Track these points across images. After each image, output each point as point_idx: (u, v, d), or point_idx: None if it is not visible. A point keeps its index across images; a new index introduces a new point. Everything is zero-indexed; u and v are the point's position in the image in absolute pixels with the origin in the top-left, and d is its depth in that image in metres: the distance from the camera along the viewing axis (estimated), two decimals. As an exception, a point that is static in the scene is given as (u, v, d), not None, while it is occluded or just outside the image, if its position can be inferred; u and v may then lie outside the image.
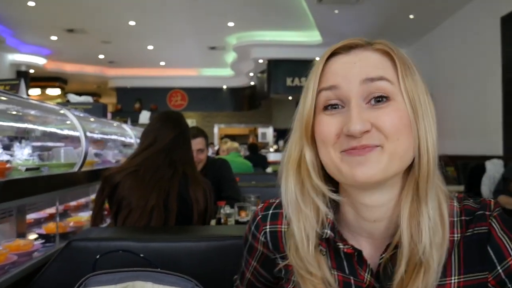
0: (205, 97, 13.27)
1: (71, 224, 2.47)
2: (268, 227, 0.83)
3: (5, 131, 2.03)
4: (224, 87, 13.46)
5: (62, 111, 2.17)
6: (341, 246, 0.74)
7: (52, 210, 2.49)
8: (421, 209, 0.69)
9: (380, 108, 0.69)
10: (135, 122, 6.89)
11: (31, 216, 2.33)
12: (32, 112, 2.16)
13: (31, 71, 10.40)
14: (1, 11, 7.43)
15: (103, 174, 1.88)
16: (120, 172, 1.85)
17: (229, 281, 1.14)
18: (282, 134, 13.09)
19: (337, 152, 0.70)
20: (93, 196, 2.75)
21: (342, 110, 0.70)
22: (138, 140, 3.49)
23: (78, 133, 2.09)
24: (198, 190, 1.88)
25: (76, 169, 1.99)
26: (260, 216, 0.86)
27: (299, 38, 9.11)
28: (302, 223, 0.74)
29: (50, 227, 2.26)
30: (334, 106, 0.71)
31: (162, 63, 11.77)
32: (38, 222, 2.39)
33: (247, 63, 10.63)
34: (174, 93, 13.32)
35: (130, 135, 3.21)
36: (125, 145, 3.20)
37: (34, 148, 2.03)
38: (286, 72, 9.77)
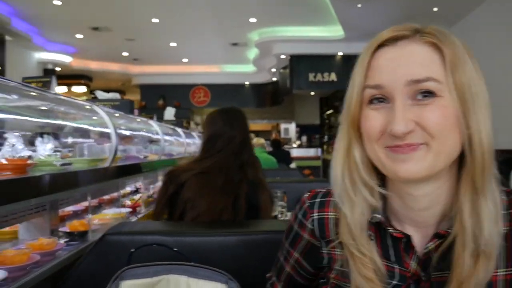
0: (227, 94, 13.30)
1: (96, 221, 2.43)
2: (315, 214, 0.85)
3: (37, 127, 2.06)
4: (246, 83, 13.47)
5: (93, 108, 2.21)
6: (391, 230, 0.75)
7: (78, 207, 2.52)
8: (479, 201, 0.68)
9: (425, 105, 0.68)
10: (160, 119, 6.97)
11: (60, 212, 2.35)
12: (63, 108, 2.20)
13: (58, 69, 10.61)
14: (28, 10, 7.60)
15: (168, 171, 1.86)
16: (186, 172, 1.81)
17: (261, 276, 1.14)
18: (305, 130, 13.05)
19: (381, 148, 0.71)
20: (122, 191, 2.79)
21: (387, 105, 0.71)
22: (166, 137, 3.54)
23: (109, 129, 2.12)
24: (265, 194, 1.85)
25: (107, 164, 2.02)
26: (307, 204, 0.87)
27: (321, 33, 9.04)
28: (352, 210, 0.76)
29: (74, 225, 2.22)
30: (380, 100, 0.72)
31: (185, 60, 11.84)
32: (67, 218, 2.42)
33: (269, 59, 10.61)
34: (197, 89, 13.40)
35: (157, 131, 3.25)
36: (152, 141, 3.24)
37: (60, 144, 2.06)
38: (308, 68, 9.72)
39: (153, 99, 13.04)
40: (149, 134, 3.22)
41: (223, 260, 1.27)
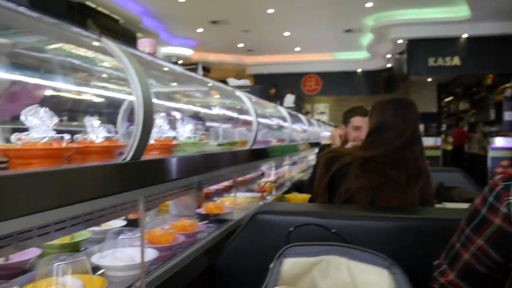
0: (339, 81, 13.11)
1: (227, 203, 2.41)
2: None
3: (178, 109, 2.13)
4: (359, 70, 13.15)
5: (235, 93, 2.34)
6: None
7: (216, 188, 2.65)
8: None
9: None
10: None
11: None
12: (209, 92, 2.32)
13: (180, 61, 11.38)
14: (157, 8, 8.23)
15: (326, 155, 1.87)
16: (347, 157, 1.78)
17: (426, 265, 1.12)
18: (422, 118, 12.35)
19: None
20: (252, 175, 2.91)
21: None
22: (295, 126, 3.61)
23: (250, 114, 2.22)
24: (431, 188, 1.80)
25: (248, 147, 2.13)
26: (501, 186, 0.83)
27: (443, 14, 8.45)
28: None
29: (209, 208, 2.22)
30: None
31: (297, 49, 11.92)
32: (207, 198, 2.56)
33: (384, 45, 10.22)
34: (308, 78, 13.41)
35: (286, 117, 3.33)
36: (280, 126, 3.33)
37: (197, 126, 2.15)
38: (428, 52, 9.17)
39: (265, 88, 13.34)
40: (279, 120, 3.31)
41: (382, 246, 1.27)
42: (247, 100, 2.26)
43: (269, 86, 13.34)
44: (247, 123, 2.30)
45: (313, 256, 1.21)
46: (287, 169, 3.74)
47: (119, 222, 1.80)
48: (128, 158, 1.09)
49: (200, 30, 9.73)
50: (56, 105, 1.16)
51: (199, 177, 1.53)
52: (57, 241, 1.41)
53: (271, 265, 1.21)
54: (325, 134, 6.07)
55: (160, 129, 1.52)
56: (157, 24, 9.18)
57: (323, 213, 1.48)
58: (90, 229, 1.54)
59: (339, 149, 1.92)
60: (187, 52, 11.18)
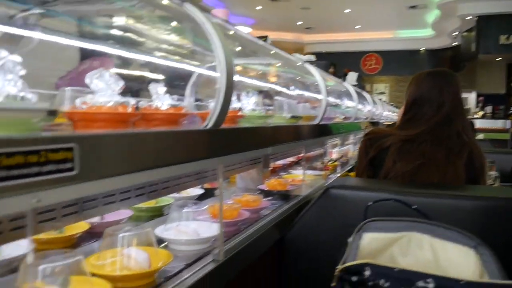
0: (400, 60, 12.63)
1: (290, 180, 2.37)
2: None
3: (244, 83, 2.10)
4: (422, 49, 12.59)
5: (305, 66, 2.30)
6: None
7: (283, 162, 2.65)
8: None
9: None
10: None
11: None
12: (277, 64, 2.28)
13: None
14: (217, -14, 8.25)
15: (367, 135, 1.82)
16: (388, 137, 1.70)
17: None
18: (489, 100, 11.67)
19: None
20: (316, 152, 2.87)
21: None
22: (361, 106, 3.53)
23: (320, 88, 2.17)
24: (482, 162, 1.69)
25: (316, 122, 2.09)
26: None
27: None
28: None
29: (272, 184, 2.19)
30: None
31: (358, 27, 11.58)
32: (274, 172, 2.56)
33: (451, 21, 9.70)
34: (368, 56, 13.03)
35: (351, 94, 3.26)
36: (346, 104, 3.26)
37: (261, 100, 2.12)
38: (499, 29, 8.63)
39: (323, 67, 13.13)
40: (345, 97, 3.24)
41: (467, 226, 1.20)
42: (317, 73, 2.21)
43: (328, 65, 13.11)
44: (313, 98, 2.25)
45: (394, 232, 1.17)
46: (351, 148, 3.66)
47: (197, 191, 1.82)
48: (210, 126, 1.10)
49: (259, 7, 9.67)
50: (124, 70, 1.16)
51: (273, 148, 1.52)
52: (143, 205, 1.45)
53: (350, 239, 1.19)
54: (387, 114, 5.89)
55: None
56: (216, 2, 9.20)
57: (399, 190, 1.42)
58: (171, 195, 1.57)
59: (378, 130, 1.84)
60: (246, 30, 11.14)
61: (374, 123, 4.39)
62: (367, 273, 1.04)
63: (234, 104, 1.52)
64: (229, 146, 1.20)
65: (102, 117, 0.87)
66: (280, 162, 2.64)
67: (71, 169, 0.66)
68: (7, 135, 0.58)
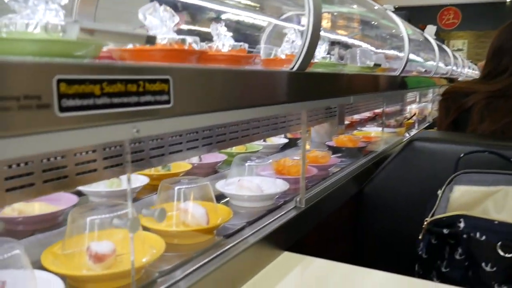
0: (482, 14, 11.66)
1: (361, 137, 2.25)
2: None
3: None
4: (508, 0, 11.51)
5: (389, 13, 2.17)
6: None
7: (359, 117, 2.55)
8: None
9: None
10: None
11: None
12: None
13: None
14: None
15: (446, 94, 1.70)
16: (470, 95, 1.59)
17: None
18: None
19: None
20: (390, 108, 2.75)
21: None
22: (441, 62, 3.30)
23: (403, 37, 2.03)
24: None
25: (397, 73, 1.98)
26: None
27: None
28: None
29: (341, 140, 2.08)
30: None
31: (436, -23, 10.78)
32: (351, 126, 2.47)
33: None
34: (446, 10, 12.14)
35: (433, 47, 3.06)
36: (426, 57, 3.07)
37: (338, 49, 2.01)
38: None
39: (397, 23, 12.47)
40: (426, 50, 3.06)
41: None
42: (399, 21, 2.08)
43: (404, 19, 12.42)
44: (394, 48, 2.13)
45: (489, 186, 1.10)
46: (428, 105, 3.47)
47: (281, 140, 1.81)
48: (295, 69, 1.06)
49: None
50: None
51: (354, 97, 1.45)
52: (234, 149, 1.46)
53: (439, 192, 1.13)
54: (467, 71, 5.51)
55: (293, 44, 1.40)
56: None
57: (492, 143, 1.32)
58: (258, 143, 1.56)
59: (457, 86, 1.69)
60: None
61: (452, 80, 4.13)
62: (461, 225, 0.98)
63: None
64: (313, 91, 1.16)
65: (154, 55, 0.79)
66: (357, 117, 2.55)
67: (167, 102, 0.66)
68: (109, 62, 0.58)
